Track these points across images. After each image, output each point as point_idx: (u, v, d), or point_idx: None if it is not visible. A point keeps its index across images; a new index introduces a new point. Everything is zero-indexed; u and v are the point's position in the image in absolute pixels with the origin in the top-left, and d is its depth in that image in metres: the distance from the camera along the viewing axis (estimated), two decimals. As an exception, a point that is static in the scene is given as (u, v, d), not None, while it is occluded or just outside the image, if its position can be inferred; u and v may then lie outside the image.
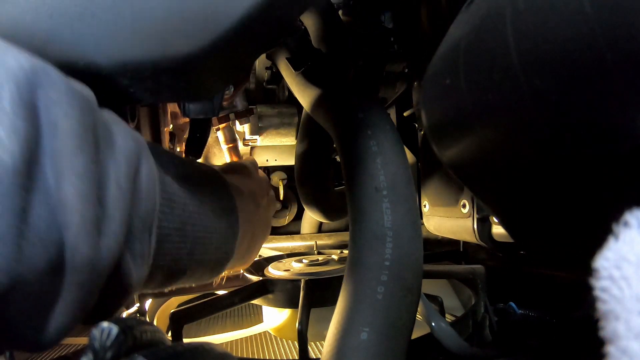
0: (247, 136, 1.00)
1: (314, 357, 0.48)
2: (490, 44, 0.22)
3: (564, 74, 0.19)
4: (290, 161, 1.12)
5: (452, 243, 0.88)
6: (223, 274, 0.44)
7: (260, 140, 1.03)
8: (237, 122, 0.93)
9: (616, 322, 0.13)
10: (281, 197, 1.14)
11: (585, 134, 0.20)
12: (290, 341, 0.74)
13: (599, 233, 0.24)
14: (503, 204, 0.30)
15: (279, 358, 0.71)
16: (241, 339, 0.76)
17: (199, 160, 1.06)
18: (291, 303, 0.61)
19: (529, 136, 0.22)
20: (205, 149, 0.83)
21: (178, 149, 0.79)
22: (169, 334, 0.52)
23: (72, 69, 0.33)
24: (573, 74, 0.18)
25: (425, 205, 0.78)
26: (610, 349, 0.13)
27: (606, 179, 0.21)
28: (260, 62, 1.01)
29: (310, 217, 1.18)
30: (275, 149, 1.11)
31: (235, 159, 0.95)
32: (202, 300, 0.56)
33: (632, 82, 0.17)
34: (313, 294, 0.57)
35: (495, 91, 0.22)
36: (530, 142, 0.22)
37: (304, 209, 1.18)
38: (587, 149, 0.20)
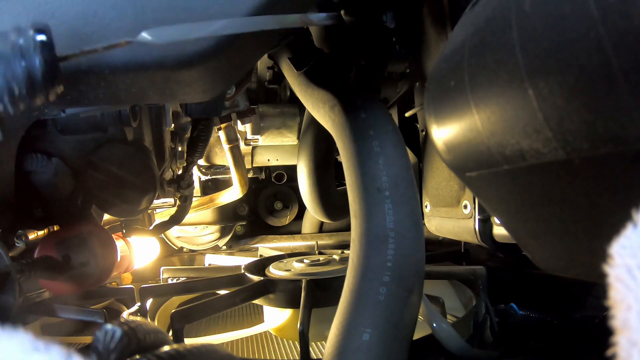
0: (249, 136, 1.00)
1: (315, 357, 0.48)
2: (495, 46, 0.22)
3: (570, 77, 0.19)
4: (291, 161, 1.12)
5: (453, 244, 0.88)
6: None
7: (261, 140, 1.03)
8: (238, 122, 0.93)
9: (628, 312, 0.13)
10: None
11: (588, 136, 0.19)
12: (291, 341, 0.74)
13: (602, 234, 0.24)
14: (506, 205, 0.30)
15: (280, 358, 0.71)
16: (242, 338, 0.76)
17: (201, 160, 1.06)
18: (292, 303, 0.61)
19: (534, 138, 0.22)
20: (206, 149, 0.83)
21: (180, 149, 0.79)
22: (170, 333, 0.52)
23: (75, 70, 0.33)
24: (578, 77, 0.18)
25: (426, 206, 0.77)
26: (620, 339, 0.13)
27: (609, 181, 0.21)
28: (262, 62, 1.01)
29: (312, 217, 1.18)
30: (276, 148, 1.11)
31: (236, 158, 0.95)
32: (203, 300, 0.56)
33: (636, 87, 0.17)
34: (314, 294, 0.57)
35: (500, 93, 0.22)
36: (534, 144, 0.22)
37: (305, 209, 1.18)
38: (590, 152, 0.20)
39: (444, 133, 0.29)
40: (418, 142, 0.88)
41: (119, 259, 0.58)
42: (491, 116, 0.24)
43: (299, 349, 0.49)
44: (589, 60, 0.17)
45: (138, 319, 0.20)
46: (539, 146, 0.22)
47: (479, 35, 0.24)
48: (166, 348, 0.20)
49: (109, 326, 0.17)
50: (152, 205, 0.66)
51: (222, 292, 0.69)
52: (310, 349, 0.50)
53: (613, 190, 0.21)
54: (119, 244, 0.79)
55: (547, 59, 0.19)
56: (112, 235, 0.57)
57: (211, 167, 1.09)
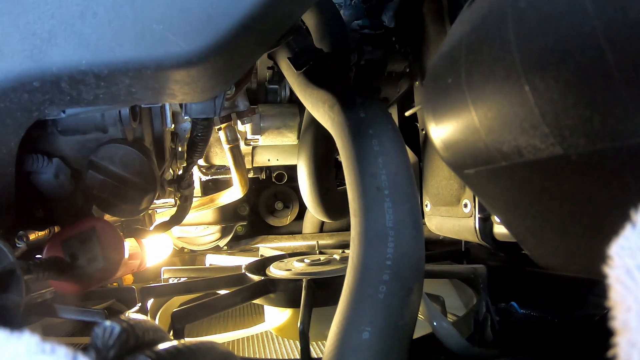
0: (249, 136, 1.00)
1: (316, 356, 0.48)
2: (492, 43, 0.22)
3: (565, 73, 0.19)
4: (291, 161, 1.12)
5: (453, 243, 0.88)
6: None
7: (261, 140, 1.03)
8: (238, 122, 0.93)
9: (627, 313, 0.13)
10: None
11: (585, 132, 0.20)
12: (291, 341, 0.74)
13: (601, 230, 0.24)
14: (505, 201, 0.30)
15: (281, 357, 0.71)
16: (243, 338, 0.76)
17: (201, 160, 1.06)
18: (293, 303, 0.61)
19: (531, 134, 0.22)
20: (206, 149, 0.83)
21: (180, 149, 0.79)
22: (171, 333, 0.52)
23: (74, 70, 0.33)
24: (574, 72, 0.18)
25: (426, 205, 0.77)
26: (620, 340, 0.13)
27: (606, 177, 0.21)
28: (262, 62, 1.01)
29: (312, 217, 1.19)
30: (276, 148, 1.11)
31: (236, 158, 0.95)
32: (204, 300, 0.56)
33: (632, 81, 0.17)
34: (315, 294, 0.57)
35: (497, 90, 0.22)
36: (531, 140, 0.22)
37: (305, 209, 1.18)
38: (587, 147, 0.20)
39: (441, 130, 0.30)
40: (418, 141, 0.89)
41: (126, 253, 0.58)
42: (488, 113, 0.24)
43: (299, 348, 0.49)
44: (585, 55, 0.17)
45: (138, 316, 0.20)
46: (536, 142, 0.22)
47: (475, 32, 0.24)
48: (165, 345, 0.20)
49: (107, 323, 0.17)
50: (152, 206, 0.66)
51: (223, 292, 0.69)
52: (311, 348, 0.50)
53: (611, 186, 0.21)
54: (129, 242, 0.79)
55: (543, 55, 0.19)
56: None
57: (211, 167, 1.09)
